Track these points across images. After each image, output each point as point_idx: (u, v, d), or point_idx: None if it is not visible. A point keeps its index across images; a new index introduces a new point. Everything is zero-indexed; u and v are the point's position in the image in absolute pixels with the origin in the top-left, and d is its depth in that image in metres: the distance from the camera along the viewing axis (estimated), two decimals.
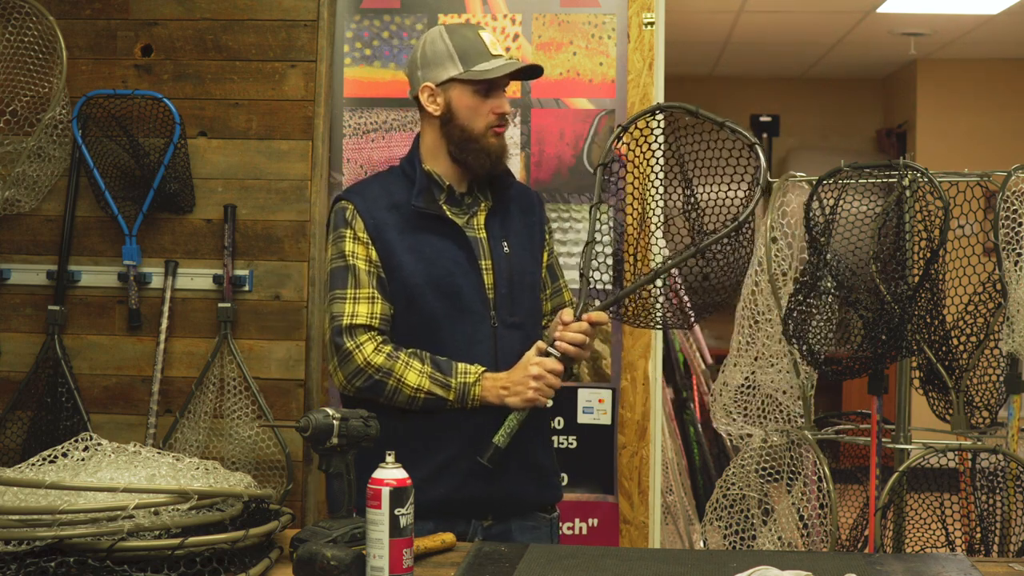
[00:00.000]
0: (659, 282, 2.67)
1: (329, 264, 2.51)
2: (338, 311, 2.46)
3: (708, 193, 2.64)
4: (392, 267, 2.47)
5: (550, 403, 2.45)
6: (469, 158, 2.50)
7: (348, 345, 2.44)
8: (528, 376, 2.42)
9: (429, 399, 2.42)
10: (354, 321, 2.44)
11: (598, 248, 2.64)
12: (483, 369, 2.45)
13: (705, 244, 2.57)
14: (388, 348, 2.45)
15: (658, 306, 2.68)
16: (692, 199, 2.66)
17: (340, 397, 2.53)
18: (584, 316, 2.48)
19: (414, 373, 2.42)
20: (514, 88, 3.47)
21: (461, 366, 2.45)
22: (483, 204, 2.57)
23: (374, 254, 2.47)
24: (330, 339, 2.47)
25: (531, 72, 2.56)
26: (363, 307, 2.45)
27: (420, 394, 2.42)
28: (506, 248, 2.54)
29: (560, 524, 3.41)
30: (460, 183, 2.55)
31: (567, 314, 2.48)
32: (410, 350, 2.46)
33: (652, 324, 2.74)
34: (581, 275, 2.57)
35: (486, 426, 2.46)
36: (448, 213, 2.52)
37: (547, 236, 2.70)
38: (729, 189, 2.59)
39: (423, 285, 2.46)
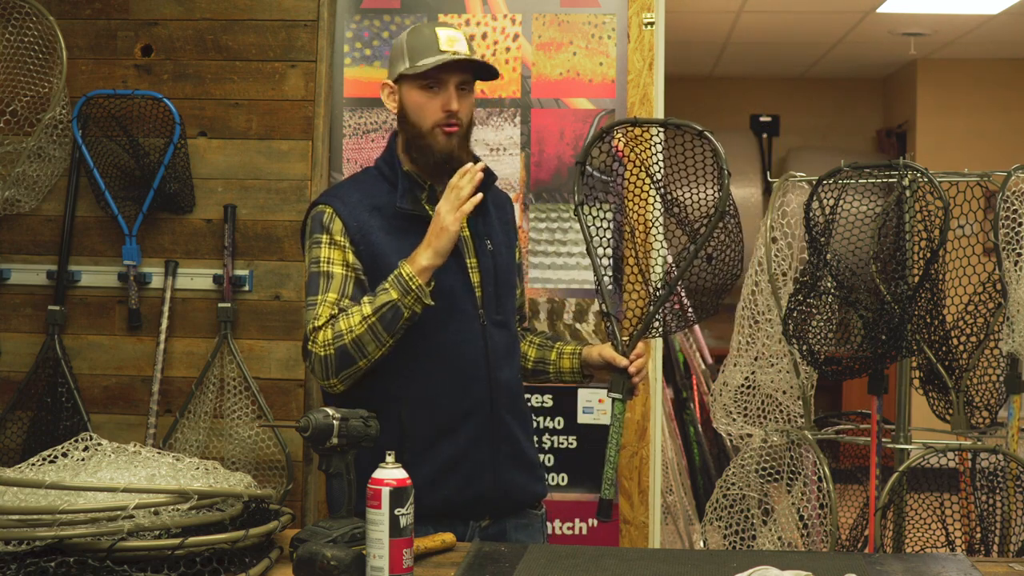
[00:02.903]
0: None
1: (306, 271, 2.49)
2: (307, 318, 2.43)
3: (687, 193, 2.62)
4: (380, 269, 2.43)
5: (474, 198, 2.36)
6: (417, 154, 2.49)
7: (308, 347, 2.40)
8: (436, 221, 2.37)
9: (385, 315, 2.33)
10: (315, 323, 2.40)
11: (598, 250, 2.62)
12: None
13: (700, 242, 2.55)
14: (332, 321, 2.40)
15: (670, 315, 2.67)
16: (675, 203, 2.65)
17: (335, 399, 2.46)
18: (632, 355, 2.50)
19: (356, 315, 2.36)
20: (514, 88, 3.47)
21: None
22: None
23: (351, 257, 2.44)
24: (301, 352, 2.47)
25: (485, 72, 2.52)
26: (325, 310, 2.40)
27: (373, 319, 2.34)
28: (489, 246, 2.54)
29: (559, 524, 3.44)
30: (439, 182, 2.53)
31: (621, 360, 2.49)
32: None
33: (668, 332, 2.72)
34: (607, 314, 2.54)
35: (486, 426, 2.47)
36: (431, 213, 2.48)
37: (517, 237, 2.71)
38: (702, 183, 2.58)
39: None
